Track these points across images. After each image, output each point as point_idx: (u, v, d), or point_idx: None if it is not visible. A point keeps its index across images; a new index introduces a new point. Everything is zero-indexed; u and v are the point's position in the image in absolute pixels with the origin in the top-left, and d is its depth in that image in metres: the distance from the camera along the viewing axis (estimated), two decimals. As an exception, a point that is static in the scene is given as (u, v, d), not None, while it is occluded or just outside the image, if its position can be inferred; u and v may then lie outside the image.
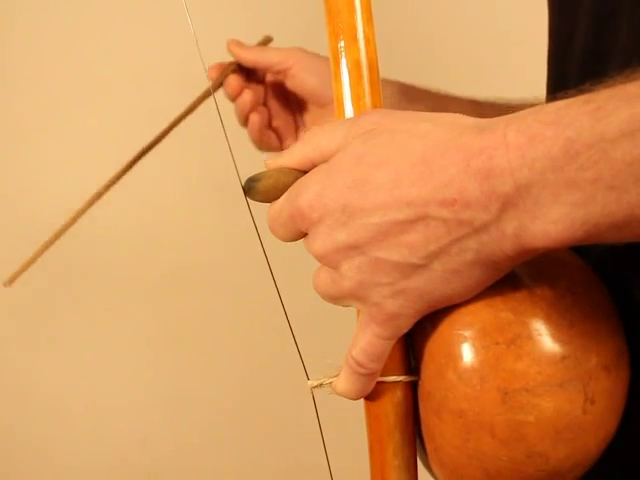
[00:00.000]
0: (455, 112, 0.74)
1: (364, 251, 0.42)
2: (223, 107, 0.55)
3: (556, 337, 0.42)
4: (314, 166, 0.45)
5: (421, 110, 0.72)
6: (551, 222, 0.38)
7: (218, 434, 1.20)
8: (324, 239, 0.42)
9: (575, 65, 0.52)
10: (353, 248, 0.42)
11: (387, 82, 0.74)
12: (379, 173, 0.41)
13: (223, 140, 0.52)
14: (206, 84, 0.51)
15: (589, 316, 0.43)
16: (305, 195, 0.43)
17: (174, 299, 1.15)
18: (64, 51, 1.06)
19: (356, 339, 0.45)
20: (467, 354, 0.42)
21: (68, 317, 1.15)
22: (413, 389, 0.47)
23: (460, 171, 0.39)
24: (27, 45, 1.06)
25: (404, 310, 0.43)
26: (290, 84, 0.78)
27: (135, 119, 1.08)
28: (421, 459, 0.48)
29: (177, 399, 1.18)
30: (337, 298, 0.45)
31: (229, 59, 0.78)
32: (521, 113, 0.39)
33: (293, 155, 0.46)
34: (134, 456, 1.19)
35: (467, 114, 0.73)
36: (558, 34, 0.56)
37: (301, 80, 0.76)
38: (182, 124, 0.68)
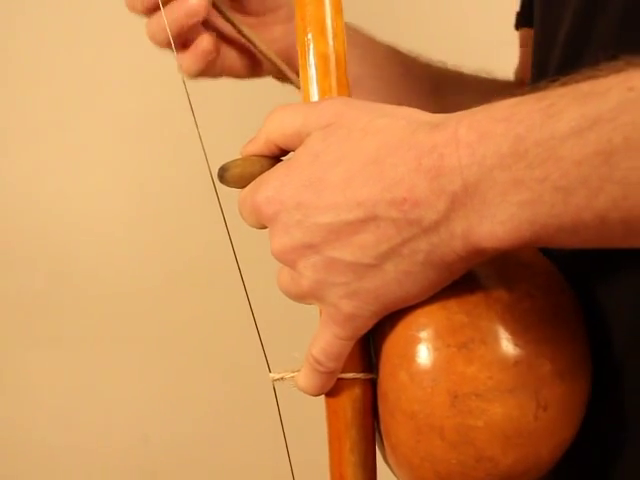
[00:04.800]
0: (374, 55, 0.67)
1: (319, 250, 0.41)
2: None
3: (510, 342, 0.41)
4: (278, 148, 0.45)
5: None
6: (499, 222, 0.37)
7: (219, 433, 1.20)
8: (281, 236, 0.43)
9: (556, 57, 0.51)
10: (308, 247, 0.42)
11: None
12: (333, 172, 0.41)
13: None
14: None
15: (547, 321, 0.42)
16: (263, 191, 0.43)
17: (175, 298, 1.16)
18: (63, 51, 1.07)
19: (316, 338, 0.45)
20: (419, 356, 0.42)
21: (68, 316, 1.16)
22: (373, 387, 0.47)
23: (411, 170, 0.38)
24: (27, 46, 1.07)
25: (360, 311, 0.42)
26: None
27: (133, 119, 1.09)
28: (382, 456, 0.48)
29: (178, 398, 1.19)
30: (298, 297, 0.45)
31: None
32: (474, 109, 0.39)
33: (258, 140, 0.46)
34: (134, 455, 1.19)
35: (387, 60, 0.68)
36: (543, 27, 0.55)
37: None
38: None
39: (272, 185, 0.43)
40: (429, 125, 0.39)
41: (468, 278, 0.42)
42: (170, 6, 0.56)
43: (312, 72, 0.46)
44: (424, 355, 0.42)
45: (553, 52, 0.52)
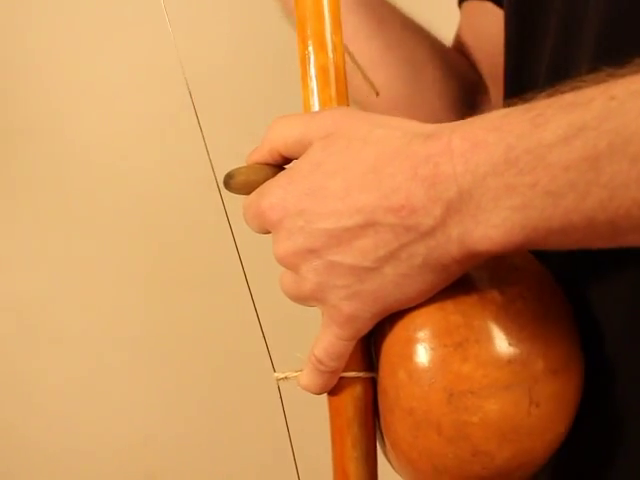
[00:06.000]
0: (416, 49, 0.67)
1: (320, 255, 0.43)
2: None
3: (503, 341, 0.43)
4: (281, 156, 0.47)
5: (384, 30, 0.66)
6: (492, 226, 0.39)
7: (219, 434, 1.20)
8: (284, 242, 0.44)
9: (545, 65, 0.53)
10: (310, 252, 0.44)
11: None
12: (334, 181, 0.43)
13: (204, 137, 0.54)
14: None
15: (539, 321, 0.44)
16: (268, 198, 0.45)
17: (175, 299, 1.17)
18: (63, 50, 1.08)
19: (318, 338, 0.47)
20: (417, 355, 0.44)
21: (68, 317, 1.17)
22: (374, 385, 0.49)
23: (407, 178, 0.40)
24: (27, 47, 1.08)
25: (360, 313, 0.44)
26: None
27: (138, 124, 1.10)
28: (382, 452, 0.50)
29: (177, 399, 1.19)
30: (300, 299, 0.47)
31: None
32: (468, 120, 0.41)
33: (262, 148, 0.48)
34: (134, 456, 1.20)
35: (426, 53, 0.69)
36: (519, 32, 0.57)
37: None
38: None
39: (276, 193, 0.45)
40: (423, 136, 0.41)
41: (463, 281, 0.44)
42: None
43: (312, 84, 0.48)
44: (421, 354, 0.44)
45: (540, 57, 0.53)
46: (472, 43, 0.72)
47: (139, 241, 1.15)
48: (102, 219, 1.15)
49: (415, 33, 0.70)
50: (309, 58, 0.48)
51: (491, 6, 0.68)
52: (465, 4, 0.72)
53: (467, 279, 0.44)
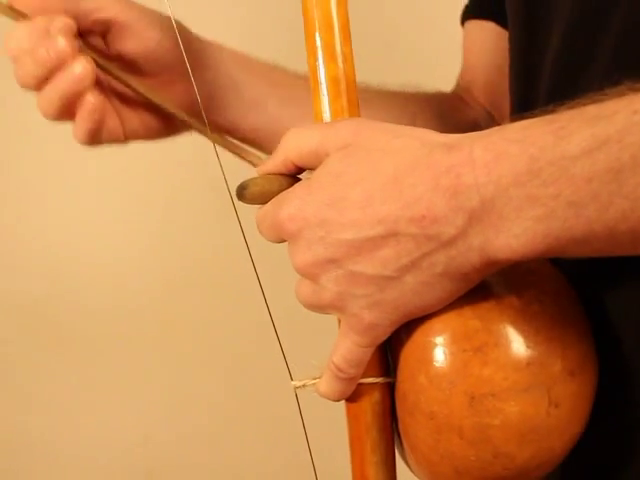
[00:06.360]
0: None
1: (341, 265, 0.44)
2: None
3: (522, 344, 0.44)
4: (295, 166, 0.47)
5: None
6: (513, 236, 0.40)
7: (218, 434, 1.21)
8: (304, 252, 0.45)
9: (549, 67, 0.54)
10: (331, 262, 0.44)
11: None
12: (354, 191, 0.43)
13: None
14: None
15: (556, 323, 0.45)
16: (286, 208, 0.45)
17: (173, 300, 1.17)
18: None
19: (337, 346, 0.47)
20: (437, 360, 0.45)
21: (68, 318, 1.17)
22: (391, 390, 0.49)
23: (429, 189, 0.41)
24: None
25: (380, 320, 0.45)
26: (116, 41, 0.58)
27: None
28: (401, 456, 0.51)
29: (177, 399, 1.20)
30: (318, 307, 0.47)
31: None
32: (488, 131, 0.42)
33: (275, 158, 0.48)
34: (134, 456, 1.20)
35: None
36: (523, 38, 0.57)
37: (135, 34, 0.57)
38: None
39: (294, 203, 0.45)
40: (445, 146, 0.42)
41: (480, 286, 0.45)
42: (55, 78, 0.54)
43: (324, 94, 0.48)
44: (442, 359, 0.45)
45: (544, 66, 0.54)
46: (473, 69, 0.72)
47: (150, 244, 1.16)
48: (112, 221, 1.15)
49: (396, 98, 0.70)
50: (319, 69, 0.48)
51: (493, 26, 0.69)
52: (468, 23, 0.72)
53: (484, 284, 0.45)
